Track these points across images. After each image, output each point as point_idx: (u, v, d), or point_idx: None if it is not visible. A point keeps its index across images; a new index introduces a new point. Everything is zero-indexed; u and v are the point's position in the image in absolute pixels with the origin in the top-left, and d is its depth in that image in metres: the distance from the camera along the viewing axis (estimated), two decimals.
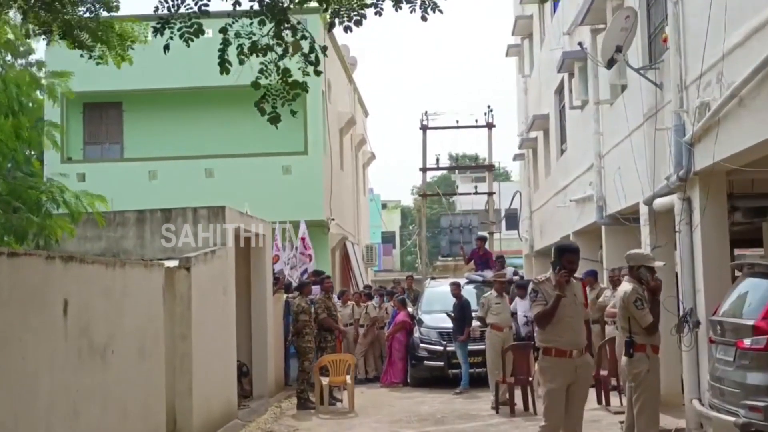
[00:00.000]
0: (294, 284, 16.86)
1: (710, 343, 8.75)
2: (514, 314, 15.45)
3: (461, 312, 15.51)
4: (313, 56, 7.96)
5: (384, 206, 65.66)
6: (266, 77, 8.05)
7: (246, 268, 14.90)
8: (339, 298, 17.92)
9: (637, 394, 8.18)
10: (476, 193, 35.64)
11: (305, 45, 7.87)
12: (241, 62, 7.91)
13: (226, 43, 7.76)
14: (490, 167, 32.74)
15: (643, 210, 12.14)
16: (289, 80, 8.00)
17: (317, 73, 8.13)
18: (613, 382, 12.87)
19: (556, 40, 19.77)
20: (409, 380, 16.78)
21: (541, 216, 24.25)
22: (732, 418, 7.72)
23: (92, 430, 7.81)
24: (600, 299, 14.41)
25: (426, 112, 32.52)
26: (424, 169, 32.48)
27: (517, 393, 12.74)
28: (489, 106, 32.87)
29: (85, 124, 23.19)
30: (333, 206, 22.69)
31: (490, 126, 31.93)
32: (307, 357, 14.03)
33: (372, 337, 17.74)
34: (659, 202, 10.81)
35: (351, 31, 7.64)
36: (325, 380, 13.73)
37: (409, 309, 17.61)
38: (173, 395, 10.61)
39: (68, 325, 7.32)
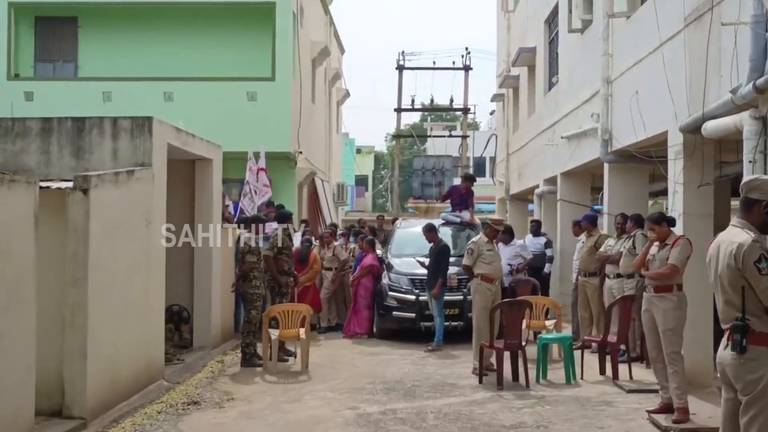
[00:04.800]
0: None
1: None
2: None
3: (437, 258, 12.03)
4: None
5: (359, 151, 62.85)
6: None
7: (190, 196, 11.53)
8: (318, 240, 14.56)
9: (752, 412, 4.37)
10: (450, 135, 32.43)
11: None
12: None
13: None
14: (466, 110, 29.62)
15: (676, 140, 8.73)
16: None
17: None
18: (623, 349, 9.67)
19: None
20: (375, 331, 13.38)
21: (520, 158, 20.81)
22: None
23: None
24: (601, 249, 11.17)
25: (403, 52, 29.10)
26: (399, 110, 29.42)
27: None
28: (467, 48, 29.48)
29: (37, 39, 19.24)
30: (302, 139, 19.04)
31: (467, 68, 29.15)
32: (254, 305, 10.60)
33: (337, 282, 14.22)
34: (713, 125, 7.36)
35: None
36: (274, 333, 10.35)
37: (378, 251, 14.10)
38: (60, 359, 7.20)
39: None
